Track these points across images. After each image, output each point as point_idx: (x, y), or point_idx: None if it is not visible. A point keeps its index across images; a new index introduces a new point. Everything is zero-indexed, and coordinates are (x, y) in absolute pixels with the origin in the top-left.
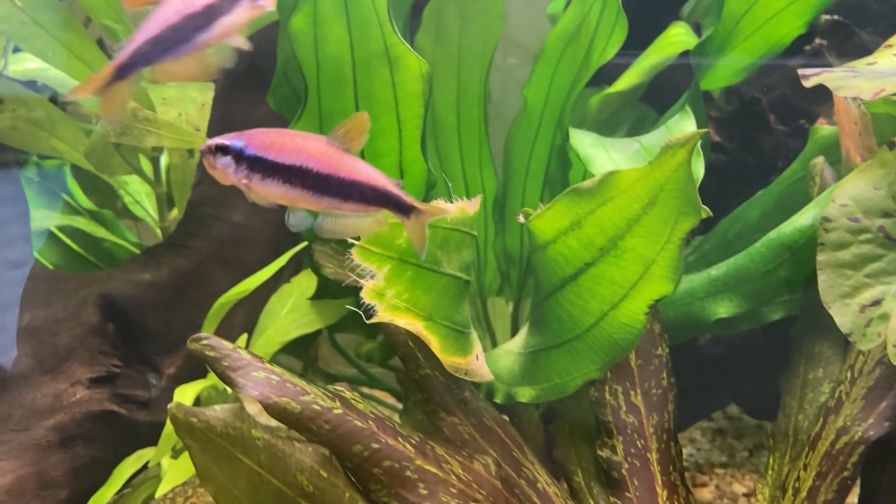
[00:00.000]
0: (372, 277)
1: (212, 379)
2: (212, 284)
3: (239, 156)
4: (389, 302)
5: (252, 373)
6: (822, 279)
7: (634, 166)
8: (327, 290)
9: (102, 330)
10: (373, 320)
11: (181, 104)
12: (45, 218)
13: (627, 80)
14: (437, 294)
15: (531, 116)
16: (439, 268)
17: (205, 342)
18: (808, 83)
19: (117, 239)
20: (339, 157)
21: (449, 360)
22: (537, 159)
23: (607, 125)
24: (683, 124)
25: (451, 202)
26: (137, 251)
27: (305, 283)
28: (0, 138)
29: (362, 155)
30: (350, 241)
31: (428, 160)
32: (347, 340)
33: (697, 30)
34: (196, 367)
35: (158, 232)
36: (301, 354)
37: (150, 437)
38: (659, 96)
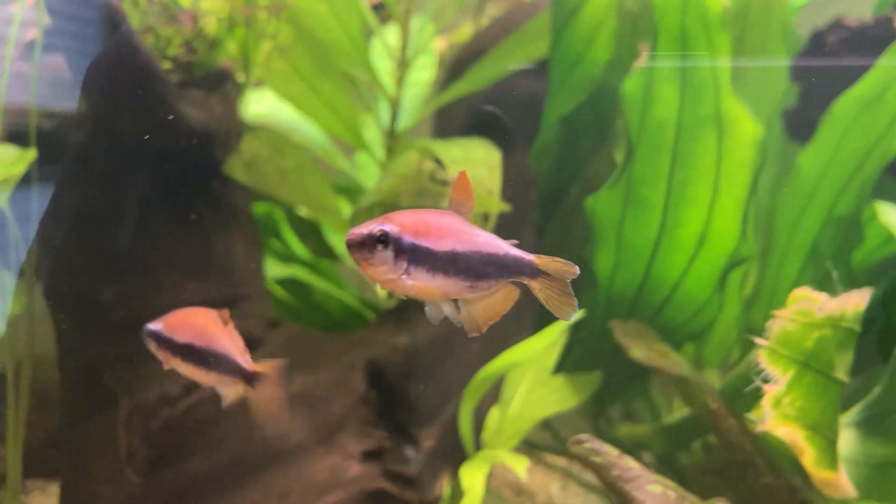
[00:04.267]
0: (766, 381)
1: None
2: (463, 351)
3: (398, 246)
4: (783, 410)
5: (646, 486)
6: None
7: None
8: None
9: (368, 398)
10: (760, 428)
11: (471, 166)
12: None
13: None
14: (826, 402)
15: (803, 183)
16: (832, 372)
17: (588, 446)
18: None
19: (338, 290)
20: (471, 231)
21: (820, 473)
22: (805, 230)
23: None
24: None
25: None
26: (355, 305)
27: (545, 350)
28: (242, 179)
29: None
30: (756, 340)
31: (747, 236)
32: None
33: None
34: (451, 443)
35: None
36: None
37: None
38: None
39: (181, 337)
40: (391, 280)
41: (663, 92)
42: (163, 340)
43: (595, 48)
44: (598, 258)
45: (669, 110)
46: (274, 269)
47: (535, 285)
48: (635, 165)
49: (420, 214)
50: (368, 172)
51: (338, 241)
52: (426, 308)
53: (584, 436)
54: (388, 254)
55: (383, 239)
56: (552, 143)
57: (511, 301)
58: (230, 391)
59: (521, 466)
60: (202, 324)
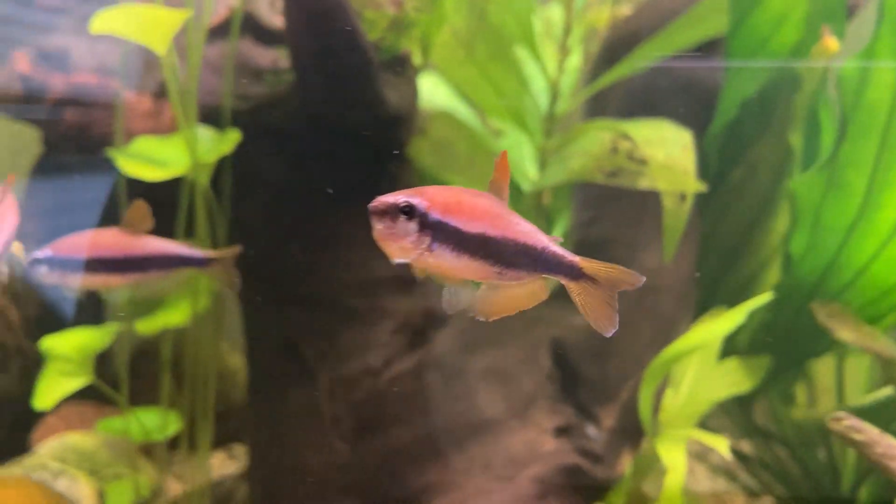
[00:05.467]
0: None
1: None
2: (636, 333)
3: (423, 220)
4: None
5: None
6: None
7: None
8: None
9: (553, 377)
10: None
11: (664, 145)
12: None
13: None
14: None
15: None
16: None
17: (847, 423)
18: None
19: None
20: (508, 218)
21: None
22: None
23: None
24: None
25: None
26: None
27: (710, 332)
28: (427, 162)
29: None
30: None
31: None
32: None
33: None
34: (629, 422)
35: None
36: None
37: (598, 495)
38: None
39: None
40: (410, 255)
41: (881, 74)
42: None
43: (783, 31)
44: (793, 239)
45: (885, 93)
46: None
47: (575, 288)
48: (843, 148)
49: (456, 192)
50: (517, 154)
51: None
52: (444, 293)
53: (842, 413)
54: (412, 226)
55: (407, 210)
56: (727, 126)
57: (537, 299)
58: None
59: (722, 445)
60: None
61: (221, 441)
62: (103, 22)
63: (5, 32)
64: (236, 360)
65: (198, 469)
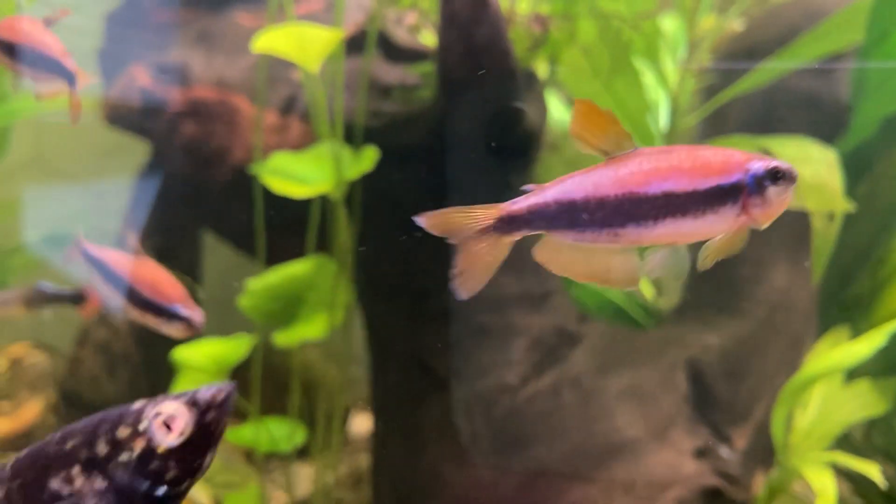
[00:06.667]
0: None
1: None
2: (769, 352)
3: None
4: None
5: None
6: None
7: None
8: None
9: (690, 397)
10: None
11: (810, 163)
12: None
13: None
14: None
15: None
16: None
17: None
18: None
19: (605, 288)
20: None
21: None
22: None
23: None
24: None
25: None
26: (621, 302)
27: (849, 354)
28: None
29: None
30: None
31: None
32: None
33: None
34: (761, 444)
35: (647, 283)
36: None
37: None
38: None
39: None
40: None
41: None
42: None
43: None
44: None
45: None
46: None
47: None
48: None
49: None
50: None
51: None
52: (649, 258)
53: None
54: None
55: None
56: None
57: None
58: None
59: (874, 471)
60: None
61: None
62: (265, 41)
63: (123, 50)
64: (355, 372)
65: (318, 479)
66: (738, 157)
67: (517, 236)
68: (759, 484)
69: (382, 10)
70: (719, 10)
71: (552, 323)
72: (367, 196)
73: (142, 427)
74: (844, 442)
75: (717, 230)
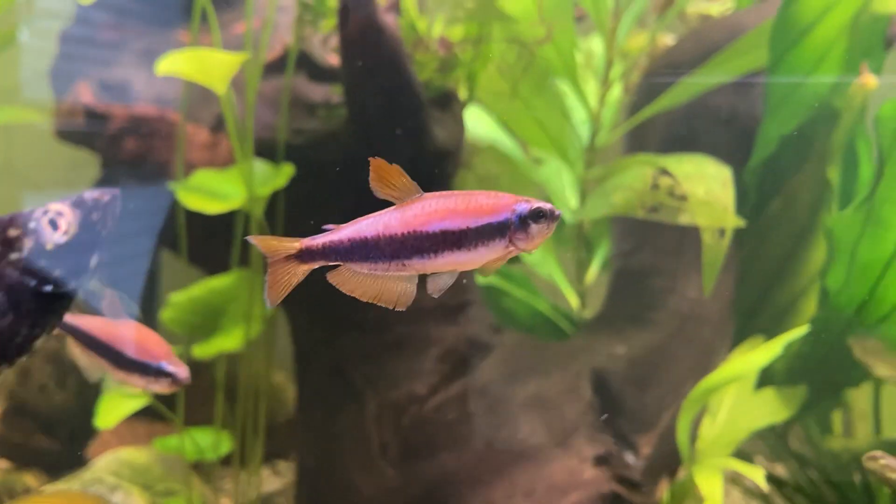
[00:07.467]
0: None
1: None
2: (678, 362)
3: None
4: None
5: None
6: None
7: None
8: None
9: (594, 405)
10: None
11: (705, 180)
12: None
13: None
14: None
15: None
16: None
17: (884, 462)
18: None
19: (534, 299)
20: None
21: None
22: None
23: None
24: None
25: None
26: (548, 312)
27: (749, 363)
28: None
29: None
30: None
31: None
32: None
33: None
34: (666, 451)
35: (573, 294)
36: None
37: None
38: None
39: None
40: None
41: None
42: None
43: (823, 68)
44: (830, 275)
45: None
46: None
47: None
48: (881, 186)
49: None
50: (557, 185)
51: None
52: (428, 281)
53: (878, 452)
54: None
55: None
56: (765, 159)
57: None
58: None
59: (759, 475)
60: None
61: (267, 457)
62: (168, 64)
63: (70, 68)
64: (280, 379)
65: (249, 485)
66: (507, 200)
67: (315, 265)
68: (664, 489)
69: (307, 32)
70: (640, 26)
71: (466, 333)
72: (290, 210)
73: (31, 226)
74: (763, 447)
75: (489, 258)
